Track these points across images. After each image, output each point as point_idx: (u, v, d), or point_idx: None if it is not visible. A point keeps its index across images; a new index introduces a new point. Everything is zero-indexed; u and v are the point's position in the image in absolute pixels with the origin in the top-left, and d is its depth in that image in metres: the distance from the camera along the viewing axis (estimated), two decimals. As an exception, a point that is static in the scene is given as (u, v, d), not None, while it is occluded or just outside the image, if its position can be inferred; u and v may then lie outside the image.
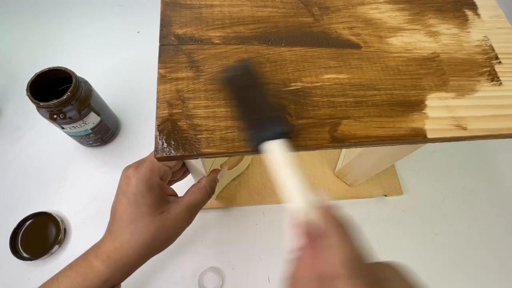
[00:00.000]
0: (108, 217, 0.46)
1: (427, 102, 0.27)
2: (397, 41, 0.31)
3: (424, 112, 0.27)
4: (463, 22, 0.32)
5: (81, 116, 0.42)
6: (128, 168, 0.29)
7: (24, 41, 0.63)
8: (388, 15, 0.33)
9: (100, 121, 0.46)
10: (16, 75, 0.58)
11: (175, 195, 0.31)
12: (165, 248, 0.30)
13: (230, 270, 0.43)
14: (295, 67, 0.28)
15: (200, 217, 0.46)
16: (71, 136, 0.47)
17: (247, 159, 0.50)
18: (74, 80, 0.40)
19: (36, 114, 0.41)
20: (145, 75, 0.59)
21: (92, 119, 0.44)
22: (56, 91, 0.43)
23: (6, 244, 0.42)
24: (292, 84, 0.27)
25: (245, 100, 0.25)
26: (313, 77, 0.28)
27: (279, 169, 0.21)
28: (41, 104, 0.38)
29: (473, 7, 0.33)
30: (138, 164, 0.29)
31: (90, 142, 0.49)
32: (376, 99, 0.27)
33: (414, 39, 0.31)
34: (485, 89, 0.28)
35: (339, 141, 0.25)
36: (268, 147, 0.22)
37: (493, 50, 0.30)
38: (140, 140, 0.52)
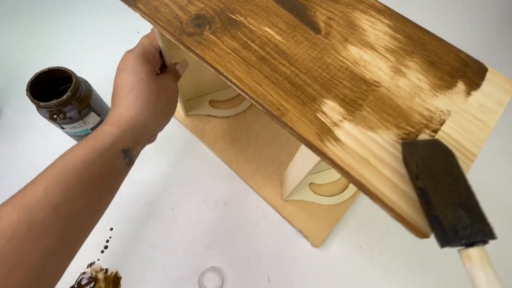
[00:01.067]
0: (107, 216, 0.46)
1: (318, 102, 0.27)
2: (355, 52, 0.30)
3: (304, 104, 0.27)
4: (443, 87, 0.29)
5: (81, 116, 0.42)
6: (124, 54, 0.33)
7: (24, 41, 0.63)
8: (376, 33, 0.32)
9: (100, 121, 0.46)
10: (16, 75, 0.58)
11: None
12: (167, 115, 0.34)
13: (230, 270, 0.43)
14: (252, 9, 0.31)
15: (200, 215, 0.47)
16: (71, 136, 0.47)
17: (243, 107, 0.54)
18: (74, 80, 0.40)
19: (36, 114, 0.41)
20: (145, 75, 0.59)
21: (92, 119, 0.44)
22: (56, 91, 0.43)
23: (6, 244, 0.42)
24: (237, 15, 0.31)
25: (446, 188, 0.23)
26: (256, 22, 0.31)
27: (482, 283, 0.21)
28: (41, 104, 0.38)
29: (472, 86, 0.30)
30: (131, 49, 0.33)
31: (90, 142, 0.49)
32: (280, 68, 0.28)
33: (373, 62, 0.30)
34: (385, 138, 0.26)
35: (219, 66, 0.28)
36: (473, 254, 0.21)
37: (441, 125, 0.27)
38: (140, 140, 0.52)
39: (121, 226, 0.45)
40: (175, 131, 0.54)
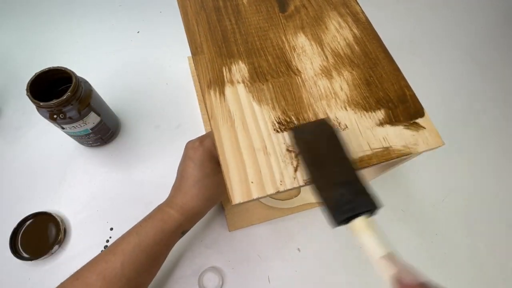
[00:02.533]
0: (107, 216, 0.46)
1: (232, 60, 0.30)
2: (301, 40, 0.32)
3: (220, 55, 0.31)
4: (360, 107, 0.29)
5: (81, 116, 0.42)
6: (193, 142, 0.36)
7: (24, 41, 0.63)
8: (335, 35, 0.33)
9: (100, 121, 0.46)
10: (16, 75, 0.58)
11: None
12: (219, 201, 0.38)
13: (230, 270, 0.43)
14: None
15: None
16: (71, 136, 0.47)
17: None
18: (74, 80, 0.40)
19: (36, 114, 0.41)
20: (145, 75, 0.59)
21: (92, 119, 0.44)
22: (56, 91, 0.43)
23: (6, 244, 0.42)
24: None
25: (329, 169, 0.23)
26: None
27: (369, 247, 0.22)
28: (41, 104, 0.38)
29: (391, 120, 0.29)
30: (202, 140, 0.36)
31: (90, 142, 0.49)
32: (224, 21, 0.33)
33: (310, 55, 0.31)
34: (264, 114, 0.27)
35: (180, 1, 0.34)
36: (359, 223, 0.22)
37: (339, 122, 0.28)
38: (140, 140, 0.52)
39: (121, 226, 0.45)
40: (175, 132, 0.54)
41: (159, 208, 0.36)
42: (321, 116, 0.28)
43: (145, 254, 0.33)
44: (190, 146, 0.36)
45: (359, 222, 0.22)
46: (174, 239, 0.36)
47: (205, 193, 0.35)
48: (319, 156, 0.24)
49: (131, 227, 0.35)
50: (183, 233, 0.37)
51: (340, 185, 0.22)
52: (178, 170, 0.38)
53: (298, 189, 0.48)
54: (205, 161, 0.35)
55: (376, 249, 0.21)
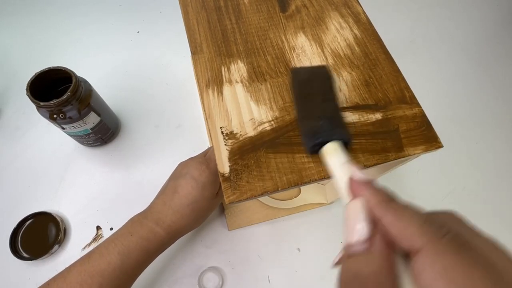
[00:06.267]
0: (107, 216, 0.46)
1: (231, 59, 0.30)
2: (301, 41, 0.32)
3: (219, 55, 0.31)
4: (357, 107, 0.28)
5: (81, 116, 0.42)
6: (200, 162, 0.36)
7: (24, 41, 0.63)
8: (336, 36, 0.32)
9: (100, 121, 0.46)
10: (16, 75, 0.58)
11: None
12: (200, 224, 0.38)
13: (230, 270, 0.43)
14: None
15: (200, 217, 0.46)
16: (71, 136, 0.47)
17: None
18: (74, 80, 0.40)
19: (36, 114, 0.41)
20: (145, 75, 0.59)
21: (92, 119, 0.44)
22: (56, 91, 0.43)
23: (6, 244, 0.42)
24: None
25: (314, 105, 0.25)
26: None
27: (337, 170, 0.22)
28: (41, 104, 0.38)
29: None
30: (208, 162, 0.37)
31: (90, 142, 0.49)
32: (224, 21, 0.33)
33: (309, 55, 0.31)
34: (262, 113, 0.28)
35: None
36: (328, 147, 0.23)
37: None
38: (140, 140, 0.52)
39: (121, 226, 0.45)
40: (175, 132, 0.54)
41: (143, 224, 0.34)
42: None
43: (126, 276, 0.32)
44: (195, 166, 0.36)
45: (331, 146, 0.23)
46: (154, 259, 0.35)
47: (197, 215, 0.35)
48: (309, 92, 0.26)
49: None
50: (164, 249, 0.36)
51: (322, 118, 0.24)
52: (169, 185, 0.36)
53: (298, 189, 0.48)
54: (208, 184, 0.35)
55: (340, 163, 0.22)
